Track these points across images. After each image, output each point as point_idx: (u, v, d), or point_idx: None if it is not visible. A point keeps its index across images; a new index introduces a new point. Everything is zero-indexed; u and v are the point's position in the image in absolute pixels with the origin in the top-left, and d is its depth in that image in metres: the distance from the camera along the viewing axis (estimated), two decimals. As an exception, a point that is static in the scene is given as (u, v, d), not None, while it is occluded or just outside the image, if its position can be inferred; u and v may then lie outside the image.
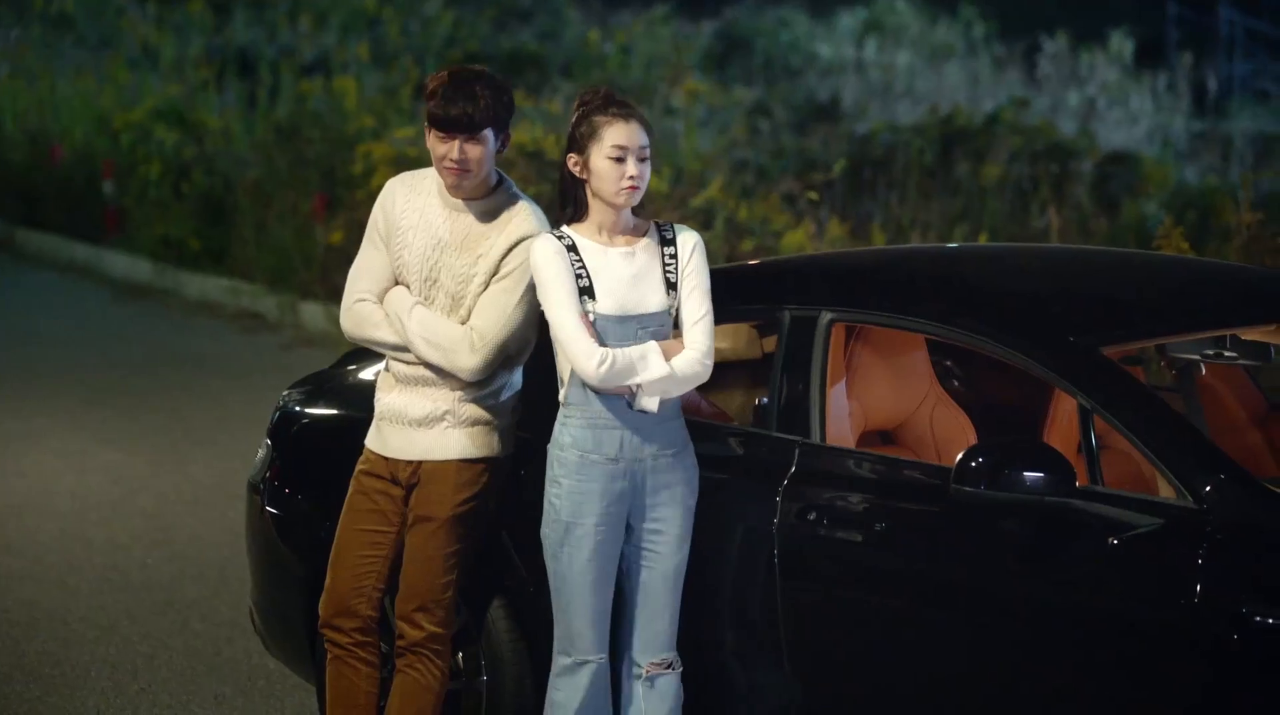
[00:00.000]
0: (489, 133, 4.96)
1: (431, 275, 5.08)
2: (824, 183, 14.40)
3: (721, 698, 5.10)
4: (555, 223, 4.96)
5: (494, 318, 5.01)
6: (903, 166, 14.94)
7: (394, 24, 22.57)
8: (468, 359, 5.01)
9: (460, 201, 5.07)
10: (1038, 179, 14.67)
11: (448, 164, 4.97)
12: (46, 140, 18.35)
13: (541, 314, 4.98)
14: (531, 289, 4.98)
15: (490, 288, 5.03)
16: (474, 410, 5.10)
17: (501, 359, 5.04)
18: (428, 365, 5.08)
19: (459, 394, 5.09)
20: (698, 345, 4.87)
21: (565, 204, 4.93)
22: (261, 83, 18.95)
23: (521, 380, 5.21)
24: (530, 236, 5.00)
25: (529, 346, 5.13)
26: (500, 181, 5.11)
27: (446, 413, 5.10)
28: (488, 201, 5.08)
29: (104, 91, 19.23)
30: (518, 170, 12.73)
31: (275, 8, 23.54)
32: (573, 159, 4.88)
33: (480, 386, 5.10)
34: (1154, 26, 25.04)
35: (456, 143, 4.94)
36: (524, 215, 5.06)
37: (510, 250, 5.01)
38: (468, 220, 5.07)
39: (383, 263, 5.15)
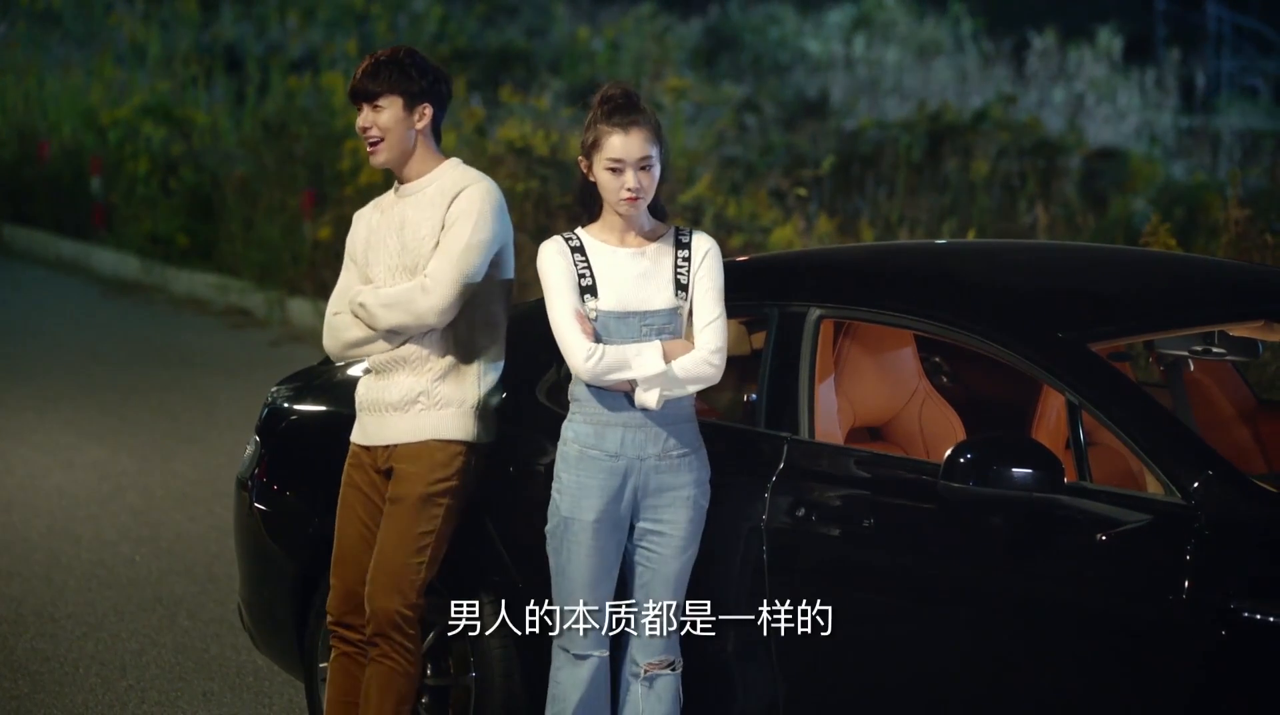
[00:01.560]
0: (392, 99, 5.16)
1: (394, 262, 5.19)
2: (812, 179, 14.41)
3: (711, 694, 5.10)
4: (572, 224, 5.00)
5: (442, 259, 5.09)
6: (891, 163, 14.95)
7: (382, 20, 22.56)
8: (424, 301, 5.07)
9: (409, 185, 5.22)
10: (1025, 175, 14.69)
11: (362, 138, 5.23)
12: (34, 137, 18.33)
13: (510, 281, 5.15)
14: (482, 234, 5.08)
15: (441, 239, 5.13)
16: (448, 392, 5.14)
17: (461, 298, 5.08)
18: (405, 344, 5.12)
19: (432, 376, 5.15)
20: (706, 345, 4.86)
21: (582, 204, 4.95)
22: (249, 79, 18.93)
23: (501, 368, 5.23)
24: (469, 185, 5.14)
25: (493, 324, 5.17)
26: (446, 160, 5.26)
27: (420, 395, 5.14)
28: (431, 176, 5.22)
29: (91, 88, 19.21)
30: (506, 167, 12.72)
31: (263, 4, 23.52)
32: (583, 162, 4.91)
33: (453, 369, 5.14)
34: (1142, 23, 25.07)
35: (364, 111, 5.20)
36: (462, 172, 5.21)
37: (451, 203, 5.14)
38: (416, 198, 5.21)
39: (356, 281, 5.30)
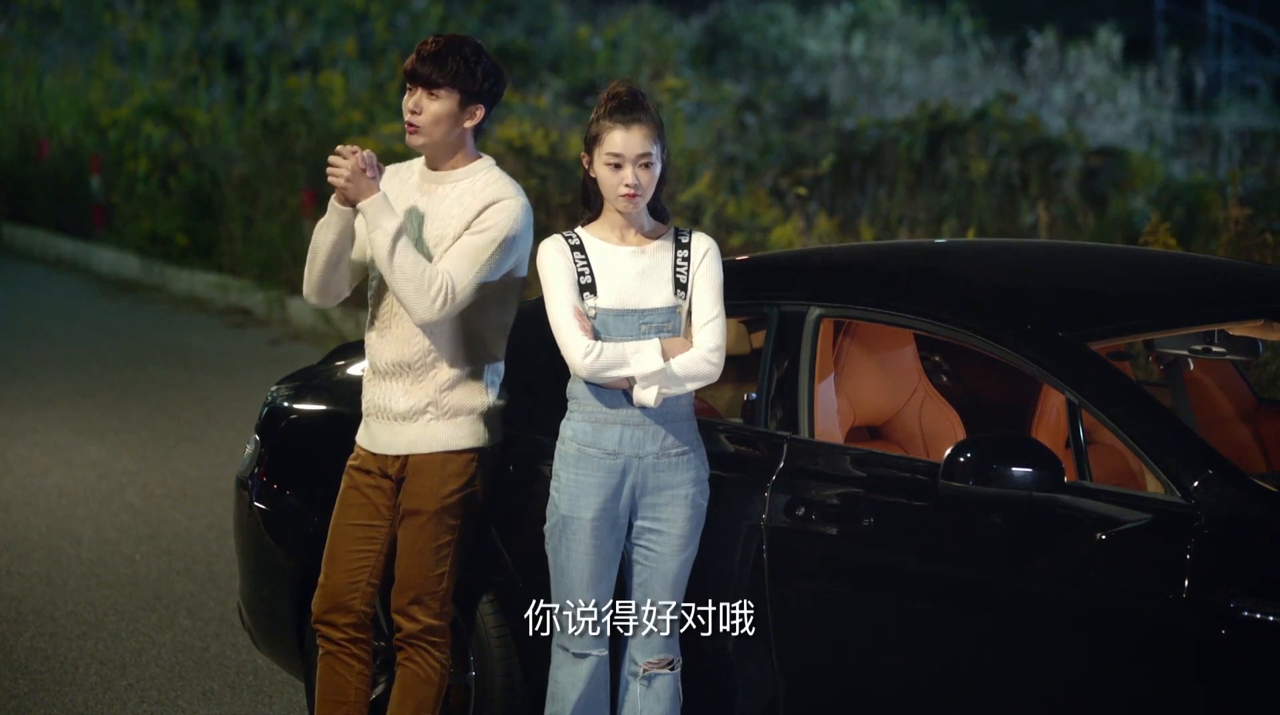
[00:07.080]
0: (451, 94, 5.05)
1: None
2: (812, 178, 14.41)
3: (711, 693, 5.10)
4: (572, 223, 4.99)
5: (465, 266, 5.00)
6: (891, 162, 14.95)
7: (381, 19, 22.58)
8: (434, 301, 4.95)
9: (437, 173, 5.15)
10: (1026, 174, 14.69)
11: (405, 116, 5.10)
12: (34, 136, 18.33)
13: (523, 282, 5.08)
14: (502, 251, 5.01)
15: (463, 237, 5.05)
16: (456, 401, 5.11)
17: (457, 309, 5.01)
18: (409, 351, 5.09)
19: (440, 385, 5.10)
20: (704, 343, 4.86)
21: (584, 201, 4.96)
22: (249, 78, 18.95)
23: (504, 370, 5.22)
24: (503, 199, 5.05)
25: (505, 328, 5.14)
26: (479, 159, 5.18)
27: (429, 405, 5.10)
28: (463, 172, 5.14)
29: (91, 87, 19.23)
30: (505, 166, 12.69)
31: (263, 3, 23.52)
32: (585, 158, 4.92)
33: (462, 377, 5.11)
34: (1142, 22, 25.08)
35: (416, 94, 5.08)
36: (497, 183, 5.11)
37: (483, 211, 5.05)
38: (442, 191, 5.13)
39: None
